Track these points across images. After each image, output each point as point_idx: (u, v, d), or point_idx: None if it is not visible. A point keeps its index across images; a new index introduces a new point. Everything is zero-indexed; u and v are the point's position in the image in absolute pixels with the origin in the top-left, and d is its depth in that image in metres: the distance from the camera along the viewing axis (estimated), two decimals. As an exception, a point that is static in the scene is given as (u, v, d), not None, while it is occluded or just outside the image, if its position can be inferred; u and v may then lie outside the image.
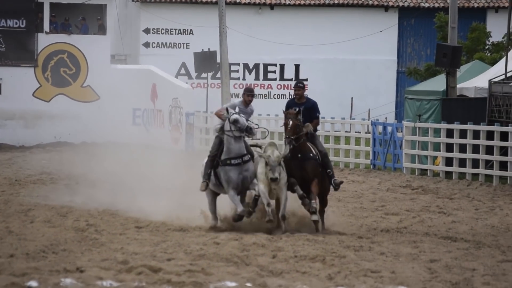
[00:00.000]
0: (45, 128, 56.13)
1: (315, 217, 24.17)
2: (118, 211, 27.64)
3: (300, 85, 25.09)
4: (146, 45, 62.76)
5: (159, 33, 63.06)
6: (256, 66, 64.14)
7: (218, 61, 56.05)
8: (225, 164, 24.32)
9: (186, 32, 62.84)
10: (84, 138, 54.58)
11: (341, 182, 25.20)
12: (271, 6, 64.20)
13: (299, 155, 24.36)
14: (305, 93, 25.20)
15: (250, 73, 64.04)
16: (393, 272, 19.54)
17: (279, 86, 64.28)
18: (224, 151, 24.40)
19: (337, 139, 46.70)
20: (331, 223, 25.16)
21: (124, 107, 55.60)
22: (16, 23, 56.88)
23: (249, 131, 24.17)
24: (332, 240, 23.38)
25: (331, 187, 25.00)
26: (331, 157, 45.62)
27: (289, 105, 24.83)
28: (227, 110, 24.40)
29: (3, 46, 56.68)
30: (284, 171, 24.19)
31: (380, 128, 45.41)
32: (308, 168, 24.38)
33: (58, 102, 57.14)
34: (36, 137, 55.62)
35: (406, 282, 18.28)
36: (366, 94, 61.42)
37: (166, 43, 62.98)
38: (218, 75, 56.62)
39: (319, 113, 25.15)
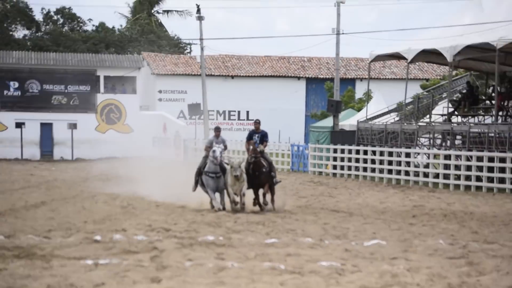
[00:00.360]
0: (102, 149, 55.85)
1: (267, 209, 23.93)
2: (145, 197, 27.53)
3: (257, 121, 24.96)
4: (160, 99, 62.51)
5: (167, 92, 62.81)
6: (224, 111, 64.03)
7: (202, 109, 56.20)
8: (206, 174, 24.05)
9: (183, 92, 62.61)
10: (124, 155, 54.44)
11: (279, 181, 24.70)
12: (232, 77, 64.17)
13: (256, 173, 23.71)
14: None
15: (220, 116, 63.94)
16: (303, 230, 19.75)
17: (237, 123, 64.21)
18: (207, 167, 24.06)
19: (271, 154, 46.97)
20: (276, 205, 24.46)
21: (147, 136, 55.47)
22: (84, 88, 56.70)
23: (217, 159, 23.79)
24: (269, 213, 23.53)
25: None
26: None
27: (250, 134, 24.53)
28: (210, 146, 24.17)
29: (78, 101, 56.42)
30: (243, 174, 23.47)
31: (296, 147, 45.68)
32: (262, 178, 23.84)
33: (109, 133, 56.94)
34: (97, 154, 55.34)
35: (311, 236, 18.47)
36: (287, 128, 61.47)
37: (171, 98, 62.71)
38: (202, 117, 56.68)
39: (268, 139, 24.65)
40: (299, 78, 65.02)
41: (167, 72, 63.05)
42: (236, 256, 15.24)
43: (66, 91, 56.31)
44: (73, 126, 55.48)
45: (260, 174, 23.76)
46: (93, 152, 55.47)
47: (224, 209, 23.75)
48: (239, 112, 64.27)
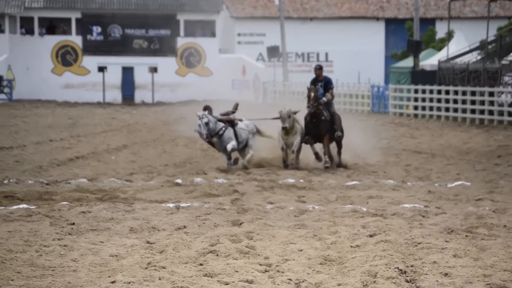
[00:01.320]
0: (181, 92, 56.16)
1: (327, 165, 20.09)
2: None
3: (318, 67, 20.68)
4: (239, 42, 62.33)
5: (246, 35, 62.57)
6: (302, 54, 63.54)
7: (280, 51, 55.87)
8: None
9: (262, 34, 62.24)
10: (204, 98, 54.61)
11: (341, 135, 20.43)
12: (310, 19, 63.53)
13: (314, 120, 20.20)
14: (323, 73, 20.72)
15: (299, 58, 63.49)
16: (385, 172, 19.49)
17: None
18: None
19: (351, 96, 46.48)
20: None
21: (226, 79, 55.53)
22: (164, 32, 56.84)
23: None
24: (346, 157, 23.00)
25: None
26: (350, 106, 45.49)
27: (312, 82, 20.57)
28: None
29: (158, 45, 56.61)
30: (298, 125, 20.25)
31: (376, 89, 45.09)
32: (321, 127, 20.23)
33: (189, 77, 57.12)
34: (177, 97, 55.67)
35: (393, 178, 18.22)
36: (366, 69, 60.73)
37: (250, 41, 62.46)
38: (280, 59, 56.37)
39: (333, 86, 20.74)
40: (378, 19, 64.00)
41: (246, 15, 62.70)
42: (317, 199, 15.07)
43: (147, 35, 56.52)
44: (153, 69, 55.76)
45: (319, 122, 20.27)
46: (173, 96, 55.77)
47: (234, 163, 20.34)
48: (317, 54, 63.68)
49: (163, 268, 9.31)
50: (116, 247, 10.40)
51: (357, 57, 61.34)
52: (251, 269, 9.32)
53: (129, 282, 8.62)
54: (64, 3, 55.54)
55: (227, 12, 62.29)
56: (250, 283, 8.81)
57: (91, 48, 55.92)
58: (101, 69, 55.23)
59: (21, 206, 13.75)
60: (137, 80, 56.33)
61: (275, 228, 11.92)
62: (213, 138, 20.15)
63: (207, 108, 20.34)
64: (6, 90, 50.72)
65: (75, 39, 55.66)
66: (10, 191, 15.43)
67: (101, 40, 56.24)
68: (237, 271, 9.24)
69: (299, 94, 48.36)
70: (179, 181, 17.42)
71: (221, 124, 20.27)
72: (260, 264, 9.62)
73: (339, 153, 20.75)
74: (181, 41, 57.21)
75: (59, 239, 10.80)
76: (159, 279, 8.82)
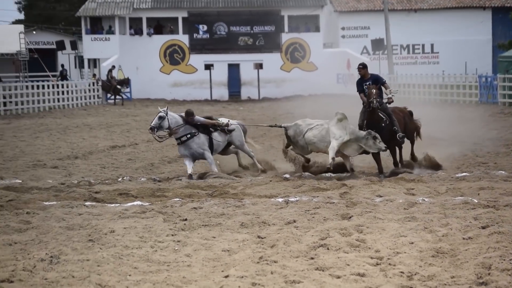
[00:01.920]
0: (287, 87, 56.18)
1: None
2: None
3: (360, 66, 18.12)
4: (343, 36, 61.87)
5: (350, 29, 62.10)
6: (407, 46, 62.70)
7: (385, 44, 55.33)
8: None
9: (366, 28, 61.68)
10: (309, 92, 54.59)
11: (403, 136, 17.50)
12: (415, 10, 62.63)
13: (373, 127, 17.48)
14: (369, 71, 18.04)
15: (404, 50, 62.69)
16: (496, 163, 19.08)
17: (422, 57, 62.78)
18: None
19: (458, 87, 45.63)
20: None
21: (331, 73, 55.31)
22: (269, 28, 56.96)
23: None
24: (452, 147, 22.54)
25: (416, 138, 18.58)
26: (457, 97, 44.73)
27: (359, 83, 18.07)
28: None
29: (263, 41, 56.81)
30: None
31: (484, 79, 44.17)
32: (384, 134, 17.41)
33: (294, 72, 57.10)
34: (282, 93, 55.71)
35: (504, 168, 17.81)
36: (473, 59, 59.53)
37: (354, 34, 61.95)
38: (385, 52, 55.80)
39: (384, 80, 18.06)
40: (484, 8, 62.66)
41: (350, 9, 62.27)
42: (427, 191, 14.88)
43: (252, 31, 56.78)
44: (259, 66, 55.99)
45: (380, 131, 17.52)
46: (278, 91, 55.81)
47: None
48: (423, 45, 62.73)
49: (275, 262, 9.36)
50: (228, 242, 10.51)
51: (463, 47, 60.18)
52: (362, 263, 9.29)
53: (242, 277, 8.71)
54: (171, 3, 56.36)
55: (331, 7, 61.99)
56: (362, 276, 8.78)
57: (197, 47, 56.54)
58: (208, 66, 55.81)
59: (135, 203, 14.03)
60: (243, 76, 56.65)
61: (385, 221, 11.83)
62: (169, 137, 17.95)
63: (188, 113, 17.91)
64: (125, 90, 51.72)
65: (182, 38, 56.39)
66: (124, 188, 15.76)
67: (207, 38, 56.78)
68: (348, 265, 9.22)
69: (405, 87, 47.80)
70: (287, 176, 17.44)
71: (191, 130, 17.93)
72: (371, 257, 9.58)
73: (412, 155, 18.38)
74: (286, 37, 57.26)
75: (172, 235, 10.98)
76: (271, 273, 8.87)
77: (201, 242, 10.49)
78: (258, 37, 56.95)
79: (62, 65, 51.73)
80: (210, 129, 18.30)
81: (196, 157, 18.07)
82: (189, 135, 17.94)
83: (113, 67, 51.27)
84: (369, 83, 17.91)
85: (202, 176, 17.58)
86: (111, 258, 9.53)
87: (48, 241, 10.61)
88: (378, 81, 17.94)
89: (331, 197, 14.22)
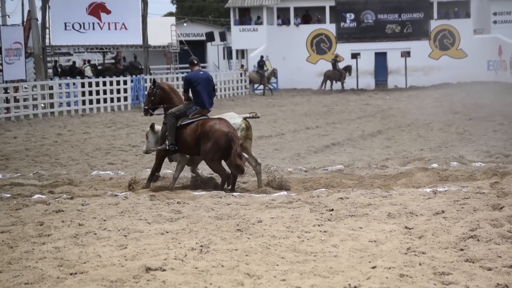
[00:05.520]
0: (435, 75, 55.20)
1: None
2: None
3: None
4: (494, 22, 60.17)
5: (502, 14, 60.33)
6: None
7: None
8: None
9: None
10: (458, 80, 53.51)
11: None
12: None
13: None
14: None
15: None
16: None
17: None
18: None
19: None
20: None
21: (481, 60, 53.99)
22: (417, 15, 56.09)
23: None
24: None
25: None
26: None
27: None
28: None
29: (411, 29, 56.01)
30: None
31: None
32: None
33: (443, 59, 56.02)
34: (430, 81, 54.77)
35: None
36: None
37: (507, 20, 60.12)
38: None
39: None
40: None
41: (503, -6, 60.51)
42: None
43: (399, 19, 56.08)
44: (406, 54, 55.25)
45: None
46: (426, 79, 54.89)
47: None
48: None
49: (423, 253, 9.26)
50: (375, 233, 10.46)
51: None
52: (514, 255, 9.06)
53: (390, 268, 8.66)
54: (318, -7, 56.49)
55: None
56: (514, 269, 8.56)
57: (344, 36, 56.32)
58: (354, 55, 55.54)
59: (281, 193, 14.15)
60: (390, 65, 56.04)
61: (538, 213, 11.48)
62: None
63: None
64: (273, 80, 52.19)
65: (329, 27, 56.28)
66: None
67: (354, 27, 56.49)
68: (500, 257, 9.02)
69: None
70: (434, 165, 17.19)
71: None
72: (524, 250, 9.32)
73: None
74: (434, 24, 56.22)
75: (319, 225, 11.01)
76: (420, 264, 8.78)
77: (348, 233, 10.48)
78: (406, 24, 56.17)
79: (262, 56, 52.23)
80: None
81: None
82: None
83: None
84: None
85: None
86: (259, 247, 9.66)
87: (198, 230, 10.85)
88: None
89: (481, 187, 13.90)
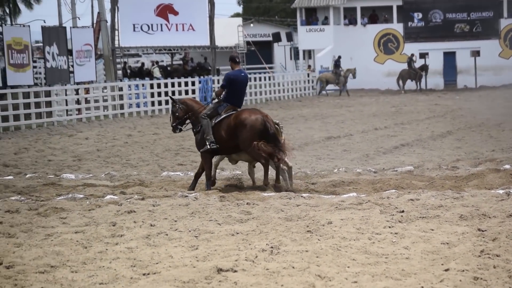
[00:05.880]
0: (506, 75, 54.29)
1: None
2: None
3: None
4: None
5: None
6: None
7: None
8: None
9: None
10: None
11: None
12: None
13: None
14: None
15: None
16: None
17: None
18: None
19: None
20: None
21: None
22: (487, 14, 55.33)
23: None
24: None
25: None
26: None
27: None
28: None
29: (480, 28, 55.27)
30: None
31: None
32: None
33: (512, 59, 55.23)
34: (500, 81, 53.83)
35: None
36: None
37: None
38: None
39: None
40: None
41: None
42: None
43: (468, 18, 55.39)
44: (476, 53, 54.56)
45: None
46: (496, 79, 54.05)
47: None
48: None
49: (497, 256, 9.13)
50: (447, 235, 10.35)
51: None
52: None
53: (463, 270, 8.56)
54: (384, -8, 56.11)
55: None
56: None
57: (412, 35, 55.84)
58: (423, 55, 55.02)
59: (351, 194, 14.10)
60: (459, 64, 55.39)
61: None
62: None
63: None
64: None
65: (396, 27, 55.87)
66: (340, 179, 15.87)
67: (421, 26, 55.97)
68: None
69: None
70: (507, 166, 16.93)
71: None
72: None
73: None
74: (505, 23, 55.37)
75: (389, 227, 10.94)
76: (494, 267, 8.66)
77: (419, 235, 10.39)
78: (475, 23, 55.45)
79: (339, 56, 52.14)
80: None
81: None
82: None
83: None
84: None
85: None
86: (329, 249, 9.64)
87: (268, 231, 10.87)
88: None
89: (557, 189, 13.66)
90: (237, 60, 15.44)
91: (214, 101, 15.42)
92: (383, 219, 11.42)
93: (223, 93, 15.33)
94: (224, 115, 15.17)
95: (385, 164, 18.68)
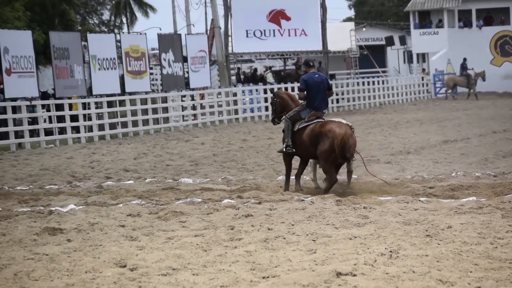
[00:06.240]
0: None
1: None
2: None
3: None
4: None
5: None
6: None
7: None
8: None
9: None
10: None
11: None
12: None
13: None
14: None
15: None
16: None
17: None
18: None
19: None
20: None
21: None
22: None
23: None
24: None
25: None
26: None
27: None
28: None
29: None
30: None
31: None
32: None
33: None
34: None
35: None
36: None
37: None
38: None
39: None
40: None
41: None
42: None
43: None
44: None
45: None
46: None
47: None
48: None
49: None
50: None
51: None
52: None
53: None
54: (500, -7, 54.97)
55: None
56: None
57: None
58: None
59: (470, 198, 13.83)
60: None
61: None
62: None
63: None
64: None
65: (514, 29, 54.72)
66: (458, 183, 15.60)
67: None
68: None
69: None
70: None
71: None
72: None
73: None
74: None
75: (513, 232, 10.71)
76: None
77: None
78: None
79: (464, 59, 51.58)
80: None
81: None
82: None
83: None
84: None
85: None
86: (450, 253, 9.48)
87: (386, 235, 10.78)
88: None
89: None
90: (311, 64, 16.00)
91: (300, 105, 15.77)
92: (505, 224, 11.17)
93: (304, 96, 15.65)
94: (310, 123, 15.45)
95: (505, 168, 18.25)
